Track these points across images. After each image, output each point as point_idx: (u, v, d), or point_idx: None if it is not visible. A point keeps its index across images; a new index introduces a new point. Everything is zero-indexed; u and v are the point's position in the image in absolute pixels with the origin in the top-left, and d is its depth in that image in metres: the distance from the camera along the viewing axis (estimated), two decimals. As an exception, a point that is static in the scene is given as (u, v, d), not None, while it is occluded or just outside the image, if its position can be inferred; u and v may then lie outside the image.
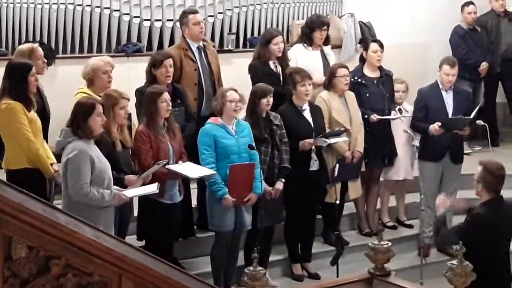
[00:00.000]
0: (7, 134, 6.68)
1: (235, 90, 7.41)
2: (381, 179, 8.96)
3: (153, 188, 6.64)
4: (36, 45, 7.39)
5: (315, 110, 8.14)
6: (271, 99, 7.63)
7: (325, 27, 8.82)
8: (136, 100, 7.44)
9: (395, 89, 8.91)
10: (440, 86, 8.65)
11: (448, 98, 8.65)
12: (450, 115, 8.57)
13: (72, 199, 6.16)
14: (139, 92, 7.48)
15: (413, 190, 9.03)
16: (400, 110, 8.90)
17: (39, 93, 7.02)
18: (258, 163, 7.45)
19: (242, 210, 7.41)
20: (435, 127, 8.43)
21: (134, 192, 6.63)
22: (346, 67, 8.50)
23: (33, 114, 6.69)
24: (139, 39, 9.51)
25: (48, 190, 6.81)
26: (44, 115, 6.98)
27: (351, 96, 8.49)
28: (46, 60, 7.37)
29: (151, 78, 7.59)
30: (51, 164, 6.69)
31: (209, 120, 7.47)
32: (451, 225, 7.72)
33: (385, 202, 9.13)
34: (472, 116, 8.53)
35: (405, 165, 8.91)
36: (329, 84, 8.39)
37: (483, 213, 6.20)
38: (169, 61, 7.62)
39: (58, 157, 6.54)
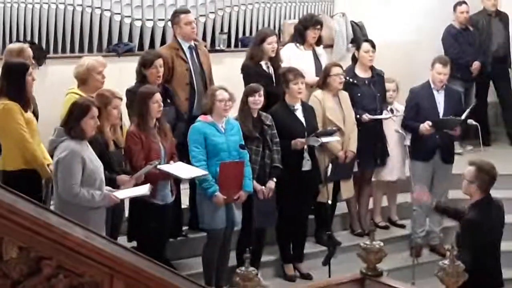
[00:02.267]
0: (4, 134, 6.65)
1: (225, 89, 7.41)
2: (373, 179, 8.96)
3: (144, 189, 6.63)
4: (26, 45, 7.36)
5: (308, 110, 8.14)
6: (259, 98, 7.62)
7: (318, 26, 8.82)
8: (127, 100, 7.42)
9: (386, 89, 8.91)
10: (432, 86, 8.68)
11: (440, 98, 8.68)
12: (441, 115, 8.59)
13: (63, 199, 6.14)
14: (129, 92, 7.46)
15: (405, 190, 9.03)
16: (391, 110, 8.89)
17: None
18: (248, 161, 7.46)
19: (233, 208, 7.41)
20: (425, 126, 8.46)
21: (125, 194, 6.61)
22: (340, 66, 8.51)
23: (30, 114, 6.68)
24: (130, 38, 9.49)
25: (45, 191, 6.77)
26: (33, 115, 6.95)
27: (344, 95, 8.49)
28: (34, 62, 7.32)
29: (141, 78, 7.57)
30: (48, 165, 6.66)
31: (199, 118, 7.47)
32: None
33: (377, 202, 9.13)
34: (463, 116, 8.55)
35: (397, 165, 8.91)
36: (323, 83, 8.40)
37: (474, 217, 6.22)
38: (159, 61, 7.61)
39: (51, 156, 6.51)
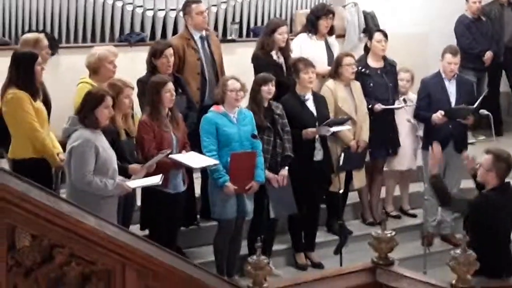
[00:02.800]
0: (14, 123, 6.67)
1: (237, 79, 7.41)
2: (385, 168, 8.96)
3: (156, 179, 6.64)
4: (41, 35, 7.38)
5: (319, 100, 8.14)
6: (272, 88, 7.63)
7: (331, 16, 8.81)
8: (138, 90, 7.43)
9: (400, 78, 8.89)
10: (443, 76, 8.67)
11: (451, 88, 8.66)
12: (453, 105, 8.58)
13: (75, 188, 6.17)
14: (140, 82, 7.48)
15: (417, 179, 9.03)
16: (404, 100, 8.88)
17: (40, 83, 7.01)
18: (261, 152, 7.46)
19: (244, 198, 7.41)
20: (438, 115, 8.44)
21: (137, 183, 6.64)
22: (353, 56, 8.51)
23: (39, 103, 6.69)
24: (142, 28, 9.51)
25: (54, 179, 6.81)
26: (46, 104, 6.97)
27: (356, 85, 8.49)
28: (49, 52, 7.35)
29: (152, 68, 7.58)
30: (58, 154, 6.69)
31: (211, 108, 7.47)
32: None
33: (390, 191, 9.13)
34: (476, 105, 8.54)
35: (408, 155, 8.90)
36: (335, 73, 8.40)
37: (492, 195, 6.27)
38: (170, 51, 7.61)
39: (64, 145, 6.53)
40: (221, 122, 7.34)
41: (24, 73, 6.60)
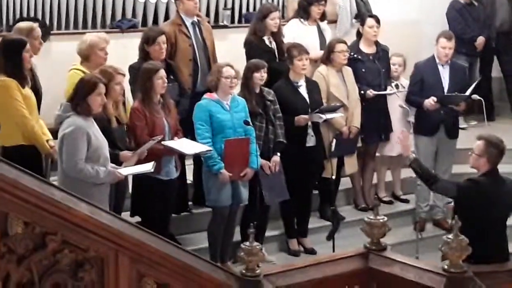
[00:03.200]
0: (2, 111, 6.64)
1: (231, 66, 7.40)
2: (377, 154, 8.97)
3: (148, 167, 6.63)
4: (35, 25, 7.33)
5: (312, 86, 8.13)
6: (264, 74, 7.61)
7: (323, 2, 8.81)
8: (130, 77, 7.42)
9: (392, 63, 8.90)
10: (437, 61, 8.66)
11: (444, 73, 8.65)
12: (445, 90, 8.58)
13: (67, 175, 6.16)
14: (132, 69, 7.46)
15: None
16: (396, 85, 8.88)
17: (30, 70, 6.98)
18: (254, 138, 7.46)
19: (239, 185, 7.42)
20: (430, 101, 8.44)
21: (129, 170, 6.62)
22: (345, 42, 8.51)
23: (27, 90, 6.66)
24: (134, 15, 9.47)
25: (44, 166, 6.80)
26: (36, 91, 6.94)
27: (348, 71, 8.49)
28: (42, 42, 7.32)
29: (144, 55, 7.56)
30: (47, 141, 6.68)
31: (204, 96, 7.46)
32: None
33: (381, 177, 9.14)
34: (468, 92, 8.54)
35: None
36: (327, 59, 8.39)
37: (482, 181, 6.29)
38: (162, 38, 7.59)
39: (54, 132, 6.52)
40: (214, 109, 7.33)
41: (12, 60, 6.56)
